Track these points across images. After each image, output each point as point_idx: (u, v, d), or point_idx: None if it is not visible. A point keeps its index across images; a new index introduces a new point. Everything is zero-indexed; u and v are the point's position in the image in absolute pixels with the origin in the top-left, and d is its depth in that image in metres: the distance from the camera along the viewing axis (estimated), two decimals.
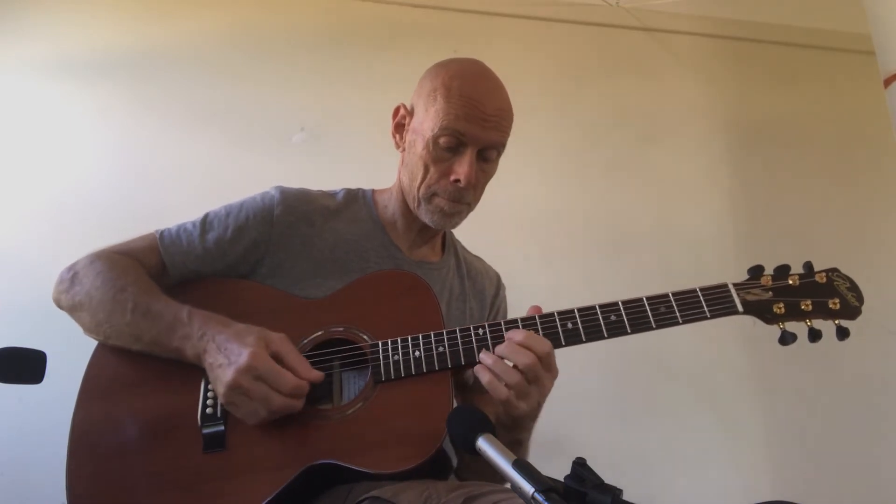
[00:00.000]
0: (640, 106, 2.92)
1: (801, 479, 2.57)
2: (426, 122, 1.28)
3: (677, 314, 1.15)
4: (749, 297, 1.16)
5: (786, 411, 2.66)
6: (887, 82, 2.13)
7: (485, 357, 1.13)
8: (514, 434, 1.20)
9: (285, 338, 1.12)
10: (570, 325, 1.16)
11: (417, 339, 1.17)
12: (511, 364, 1.10)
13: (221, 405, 1.13)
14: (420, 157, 1.29)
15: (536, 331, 1.15)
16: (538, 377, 1.10)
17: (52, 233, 2.27)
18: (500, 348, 1.12)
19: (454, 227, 1.37)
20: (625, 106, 2.91)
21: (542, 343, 1.11)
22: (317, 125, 2.60)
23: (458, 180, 1.27)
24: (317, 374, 1.11)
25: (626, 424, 2.49)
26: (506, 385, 1.09)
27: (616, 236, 2.75)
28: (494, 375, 1.10)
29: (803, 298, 1.16)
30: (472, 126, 1.25)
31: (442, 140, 1.26)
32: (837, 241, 2.87)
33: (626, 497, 0.80)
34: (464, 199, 1.31)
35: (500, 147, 1.31)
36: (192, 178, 2.41)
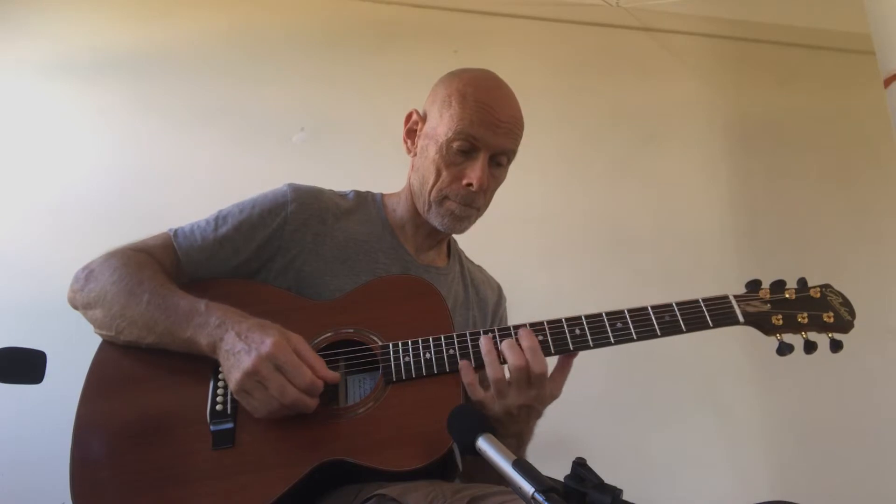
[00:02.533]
0: (640, 106, 2.92)
1: (801, 479, 2.57)
2: (440, 127, 1.31)
3: (681, 323, 1.19)
4: (749, 309, 1.22)
5: (786, 411, 2.66)
6: (887, 82, 2.13)
7: (483, 342, 1.16)
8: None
9: (303, 339, 1.13)
10: (577, 331, 1.19)
11: (428, 341, 1.19)
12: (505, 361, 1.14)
13: (231, 400, 1.13)
14: (433, 160, 1.32)
15: (545, 335, 1.18)
16: (522, 386, 1.13)
17: (52, 233, 2.27)
18: (504, 343, 1.15)
19: (463, 231, 1.39)
20: (625, 106, 2.91)
21: (539, 363, 1.13)
22: (317, 125, 2.59)
23: (470, 184, 1.29)
24: (333, 375, 1.12)
25: (626, 424, 2.49)
26: (490, 380, 1.13)
27: (616, 236, 2.75)
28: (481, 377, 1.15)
29: (800, 311, 1.21)
30: (486, 131, 1.28)
31: (456, 144, 1.29)
32: (837, 241, 2.88)
33: (626, 497, 0.80)
34: (474, 204, 1.33)
35: (510, 154, 1.34)
36: (193, 177, 2.41)
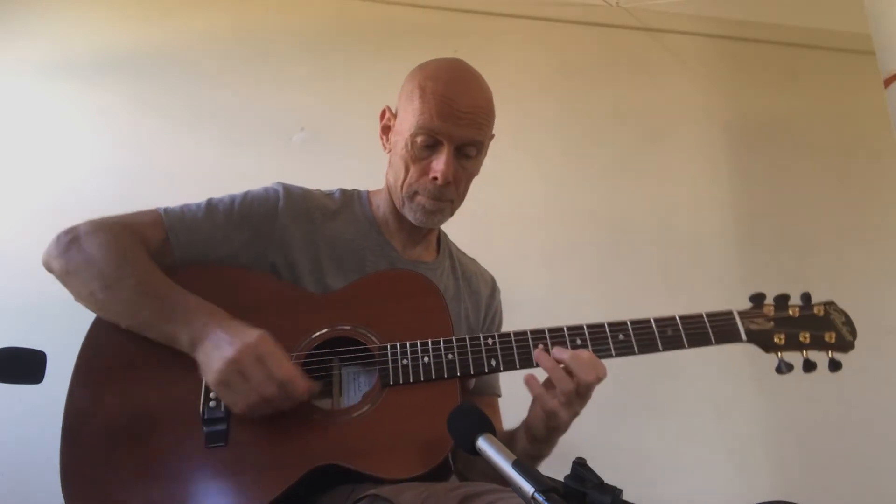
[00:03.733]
0: (640, 106, 2.92)
1: (801, 479, 2.57)
2: (405, 123, 1.31)
3: (684, 339, 1.21)
4: (752, 327, 1.23)
5: (786, 411, 2.66)
6: (887, 82, 2.13)
7: (543, 359, 1.16)
8: (541, 447, 1.23)
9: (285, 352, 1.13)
10: (578, 341, 1.20)
11: (427, 344, 1.18)
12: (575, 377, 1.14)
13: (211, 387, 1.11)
14: (401, 156, 1.32)
15: (546, 344, 1.19)
16: (586, 396, 1.16)
17: (52, 233, 2.25)
18: (565, 355, 1.15)
19: (438, 224, 1.39)
20: (625, 106, 2.91)
21: (602, 369, 1.17)
22: (317, 125, 2.59)
23: (435, 178, 1.29)
24: (312, 384, 1.11)
25: (626, 424, 2.49)
26: (558, 392, 1.13)
27: (616, 236, 2.75)
28: (546, 385, 1.15)
29: (802, 330, 1.22)
30: (446, 124, 1.27)
31: (419, 139, 1.29)
32: (837, 241, 2.87)
33: (626, 497, 0.80)
34: (445, 197, 1.32)
35: (477, 144, 1.33)
36: (192, 178, 2.41)
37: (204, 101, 2.54)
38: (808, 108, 3.06)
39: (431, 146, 1.29)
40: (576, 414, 1.18)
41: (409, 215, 1.35)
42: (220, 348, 1.08)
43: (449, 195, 1.33)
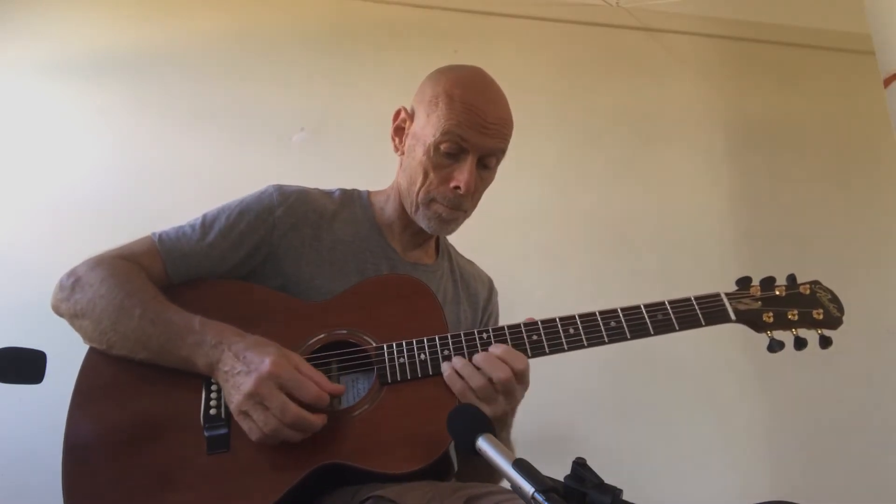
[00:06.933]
0: (640, 106, 2.92)
1: (801, 479, 2.57)
2: (427, 128, 1.29)
3: (674, 322, 1.20)
4: (741, 307, 1.23)
5: (786, 411, 2.66)
6: (887, 82, 2.13)
7: (456, 361, 1.15)
8: None
9: (301, 357, 1.12)
10: (571, 331, 1.19)
11: (423, 342, 1.18)
12: (487, 376, 1.12)
13: (226, 405, 1.12)
14: (420, 162, 1.30)
15: (539, 336, 1.19)
16: (510, 390, 1.13)
17: (51, 233, 2.27)
18: (478, 358, 1.14)
19: (450, 233, 1.39)
20: (625, 106, 2.91)
21: (520, 360, 1.14)
22: (317, 125, 2.60)
23: (457, 187, 1.28)
24: (338, 387, 1.11)
25: (626, 424, 2.49)
26: (472, 388, 1.11)
27: (616, 236, 2.75)
28: (464, 380, 1.13)
29: (790, 308, 1.22)
30: (474, 133, 1.26)
31: (443, 146, 1.27)
32: (837, 241, 2.87)
33: (626, 497, 0.80)
34: (461, 206, 1.32)
35: (499, 154, 1.33)
36: (192, 178, 2.41)
37: (204, 101, 2.54)
38: (808, 108, 3.06)
39: (454, 154, 1.28)
40: (505, 412, 1.15)
41: (423, 222, 1.34)
42: (236, 378, 1.07)
43: (465, 205, 1.32)
